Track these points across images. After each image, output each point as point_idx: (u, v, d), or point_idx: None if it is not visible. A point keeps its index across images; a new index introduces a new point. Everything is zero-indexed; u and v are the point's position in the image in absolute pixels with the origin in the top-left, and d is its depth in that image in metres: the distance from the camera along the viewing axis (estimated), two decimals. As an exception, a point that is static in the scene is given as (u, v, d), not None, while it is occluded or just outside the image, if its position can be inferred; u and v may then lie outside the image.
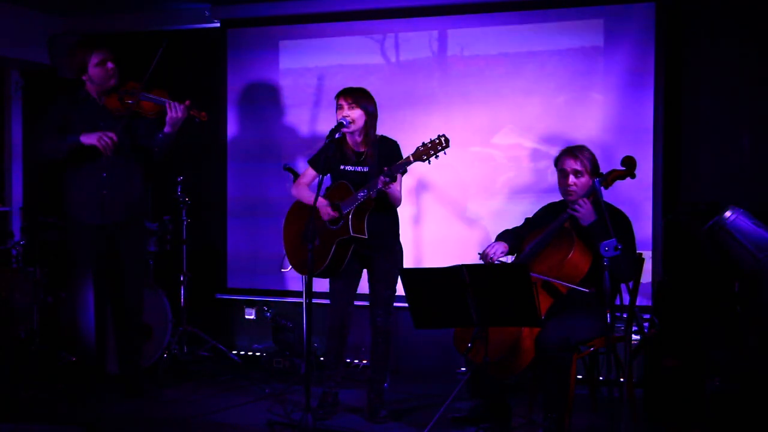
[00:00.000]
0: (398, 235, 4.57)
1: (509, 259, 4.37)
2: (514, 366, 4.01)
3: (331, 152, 4.41)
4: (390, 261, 4.48)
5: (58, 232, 5.54)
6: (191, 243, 5.86)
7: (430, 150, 4.15)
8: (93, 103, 4.74)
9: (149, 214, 5.80)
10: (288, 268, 4.80)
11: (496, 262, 4.20)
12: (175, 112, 4.57)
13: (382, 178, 4.18)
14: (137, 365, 4.98)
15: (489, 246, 4.27)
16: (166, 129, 4.63)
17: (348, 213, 4.32)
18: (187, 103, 4.62)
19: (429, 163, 4.19)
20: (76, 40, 4.88)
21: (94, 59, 4.66)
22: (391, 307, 4.53)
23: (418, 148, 4.18)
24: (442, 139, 4.14)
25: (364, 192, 4.27)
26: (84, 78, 4.72)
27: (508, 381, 4.67)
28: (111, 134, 4.54)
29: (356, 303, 4.62)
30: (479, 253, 4.25)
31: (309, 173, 4.60)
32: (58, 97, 4.80)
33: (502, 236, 4.38)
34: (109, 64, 4.69)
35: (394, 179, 4.22)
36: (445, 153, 4.17)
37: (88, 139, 4.54)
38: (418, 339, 5.57)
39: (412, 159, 4.18)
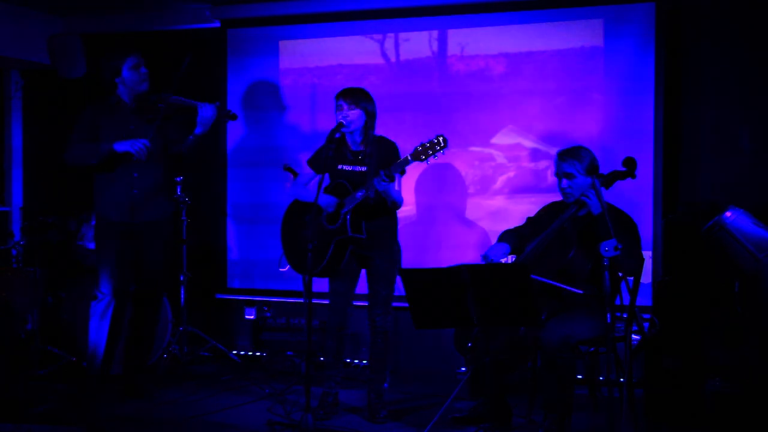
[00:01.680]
0: (396, 234, 4.57)
1: (511, 259, 4.37)
2: (513, 365, 4.02)
3: (331, 153, 4.42)
4: (388, 260, 4.48)
5: (58, 232, 5.54)
6: (191, 243, 5.86)
7: (429, 150, 4.16)
8: (124, 107, 4.80)
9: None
10: (286, 267, 4.80)
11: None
12: (206, 111, 4.69)
13: (378, 178, 4.18)
14: (143, 366, 4.99)
15: (490, 249, 4.27)
16: (197, 130, 4.73)
17: (346, 213, 4.33)
18: (218, 103, 4.75)
19: (428, 163, 4.20)
20: (113, 44, 4.95)
21: (129, 62, 4.75)
22: (389, 306, 4.53)
23: (416, 147, 4.19)
24: (441, 139, 4.15)
25: (362, 192, 4.27)
26: (117, 81, 4.78)
27: (509, 381, 4.66)
28: (144, 140, 4.61)
29: (355, 303, 4.62)
30: (482, 256, 4.25)
31: (307, 173, 4.61)
32: (89, 105, 4.86)
33: (504, 237, 4.37)
34: (142, 69, 4.79)
35: (392, 179, 4.23)
36: (443, 153, 4.17)
37: (122, 146, 4.62)
38: (418, 339, 5.58)
39: (410, 159, 4.19)
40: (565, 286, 3.95)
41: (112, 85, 4.81)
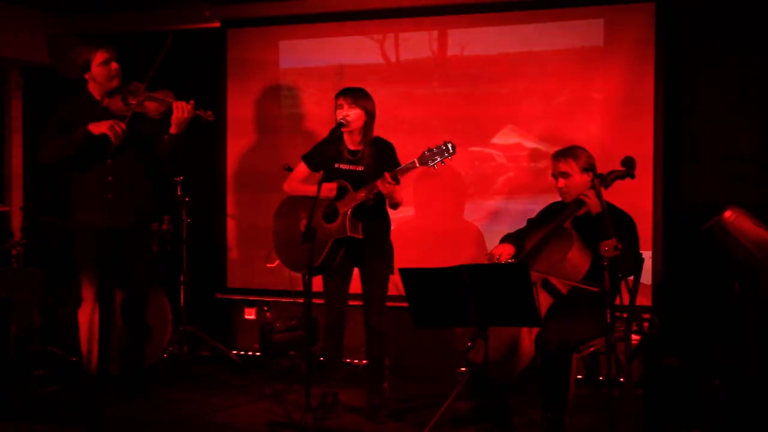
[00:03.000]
0: (389, 234, 4.58)
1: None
2: (513, 368, 4.01)
3: (332, 152, 4.43)
4: (382, 260, 4.50)
5: (58, 232, 5.54)
6: (191, 243, 5.86)
7: (436, 155, 4.18)
8: (95, 104, 4.69)
9: (154, 218, 5.73)
10: (275, 263, 4.76)
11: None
12: (181, 112, 4.51)
13: (383, 180, 4.19)
14: (139, 365, 4.98)
15: (496, 248, 4.27)
16: (172, 130, 4.56)
17: (345, 212, 4.33)
18: (192, 102, 4.56)
19: (435, 168, 4.21)
20: (82, 39, 4.84)
21: (98, 58, 4.63)
22: (384, 306, 4.54)
23: (423, 153, 4.21)
24: (449, 146, 4.17)
25: (364, 192, 4.28)
26: (87, 77, 4.68)
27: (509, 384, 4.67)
28: (122, 123, 4.46)
29: (351, 303, 4.62)
30: (486, 254, 4.25)
31: (301, 169, 4.61)
32: (64, 98, 4.76)
33: (507, 239, 4.37)
34: (113, 64, 4.66)
35: (398, 182, 4.24)
36: (450, 159, 4.19)
37: (98, 127, 4.47)
38: (418, 339, 5.57)
39: (417, 164, 4.21)
40: (576, 283, 3.94)
41: (82, 81, 4.70)
